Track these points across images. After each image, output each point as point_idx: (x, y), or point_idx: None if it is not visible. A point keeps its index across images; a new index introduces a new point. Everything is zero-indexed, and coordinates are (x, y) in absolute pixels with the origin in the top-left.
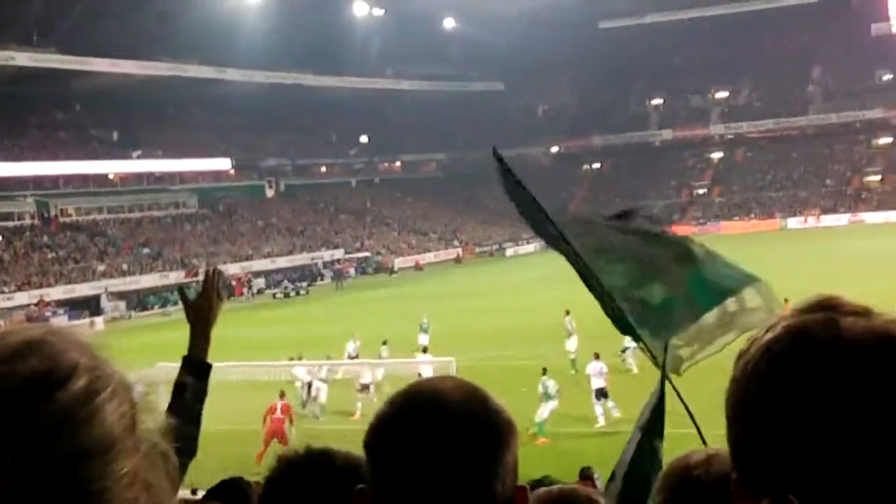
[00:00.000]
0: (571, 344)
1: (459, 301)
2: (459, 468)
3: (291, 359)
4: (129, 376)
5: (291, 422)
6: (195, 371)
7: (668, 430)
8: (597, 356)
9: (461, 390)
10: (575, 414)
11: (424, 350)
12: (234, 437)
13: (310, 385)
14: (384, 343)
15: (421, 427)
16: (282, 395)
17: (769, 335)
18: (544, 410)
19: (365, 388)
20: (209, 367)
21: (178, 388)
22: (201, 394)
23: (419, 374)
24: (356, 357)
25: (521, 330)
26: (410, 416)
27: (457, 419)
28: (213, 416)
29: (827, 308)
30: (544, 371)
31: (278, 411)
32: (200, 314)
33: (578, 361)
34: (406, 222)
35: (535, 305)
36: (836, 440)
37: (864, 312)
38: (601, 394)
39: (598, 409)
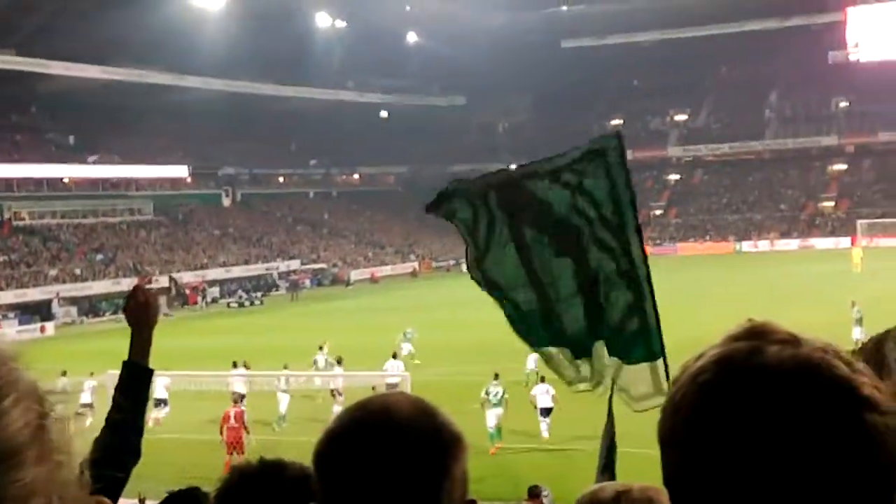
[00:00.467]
0: (531, 362)
1: (415, 314)
2: (408, 482)
3: (235, 365)
4: (40, 385)
5: (247, 430)
6: (135, 376)
7: (627, 450)
8: (542, 379)
9: (410, 405)
10: (521, 430)
11: (394, 356)
12: (188, 446)
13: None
14: (320, 348)
15: (369, 441)
16: (235, 401)
17: (698, 364)
18: (490, 419)
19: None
20: (150, 372)
21: (118, 393)
22: (142, 400)
23: (372, 389)
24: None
25: (478, 345)
26: (358, 430)
27: (405, 433)
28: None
29: (755, 336)
30: (496, 376)
31: (232, 419)
32: (138, 318)
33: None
34: (363, 235)
35: (493, 321)
36: (761, 467)
37: (791, 340)
38: (546, 412)
39: (544, 425)
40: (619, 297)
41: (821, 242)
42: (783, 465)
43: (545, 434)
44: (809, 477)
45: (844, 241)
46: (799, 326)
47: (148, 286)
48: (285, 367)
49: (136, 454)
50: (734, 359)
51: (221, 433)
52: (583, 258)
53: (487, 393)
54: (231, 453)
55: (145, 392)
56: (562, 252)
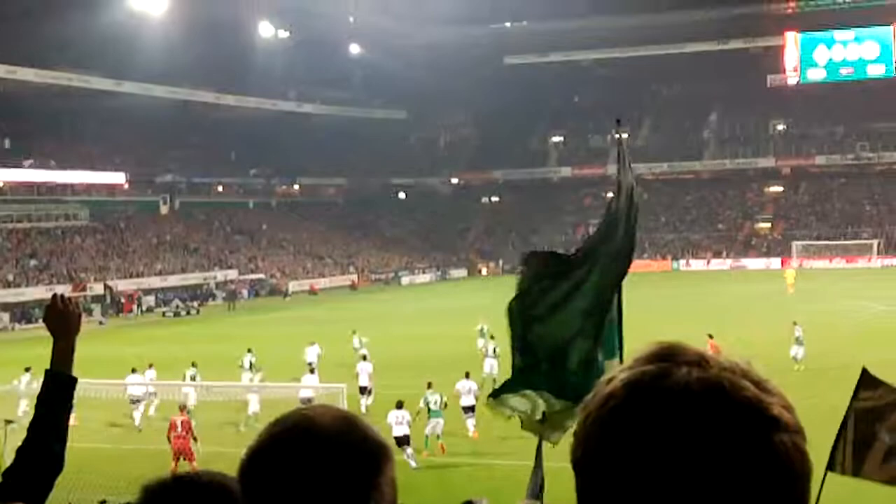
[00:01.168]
0: (487, 366)
1: (353, 327)
2: (334, 495)
3: (194, 365)
4: None
5: (195, 438)
6: (58, 385)
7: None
8: (467, 375)
9: (332, 417)
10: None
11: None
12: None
13: None
14: (193, 365)
15: (292, 455)
16: (181, 409)
17: (607, 388)
18: (433, 427)
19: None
20: (73, 380)
21: (40, 402)
22: (65, 408)
23: (303, 400)
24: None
25: (415, 359)
26: (281, 444)
27: (328, 446)
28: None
29: (663, 358)
30: (429, 385)
31: (178, 428)
32: (58, 327)
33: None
34: (302, 246)
35: (430, 335)
36: (671, 489)
37: (700, 362)
38: (469, 409)
39: (470, 423)
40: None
41: (755, 263)
42: (693, 487)
43: (471, 431)
44: (719, 498)
45: (776, 262)
46: (737, 345)
47: (81, 293)
48: (193, 365)
49: (58, 463)
50: (642, 382)
51: (169, 441)
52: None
53: (427, 402)
54: (177, 462)
55: (68, 401)
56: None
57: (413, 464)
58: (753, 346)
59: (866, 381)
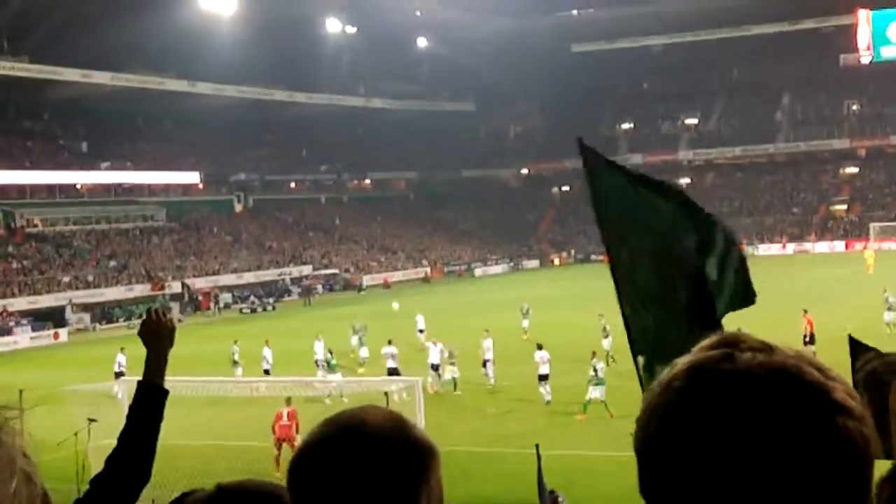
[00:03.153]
0: (607, 343)
1: (430, 320)
2: (383, 496)
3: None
4: None
5: (298, 430)
6: (149, 397)
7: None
8: (539, 346)
9: (383, 418)
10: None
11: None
12: (199, 452)
13: None
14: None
15: (342, 456)
16: (287, 401)
17: (671, 373)
18: (594, 391)
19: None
20: (165, 392)
21: (132, 412)
22: (155, 420)
23: (385, 394)
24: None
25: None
26: (332, 443)
27: (379, 446)
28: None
29: (727, 345)
30: (594, 354)
31: (285, 418)
32: (153, 338)
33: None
34: (375, 240)
35: (509, 326)
36: (734, 471)
37: (764, 348)
38: (544, 378)
39: (542, 390)
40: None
41: (819, 246)
42: (756, 470)
43: (547, 397)
44: (783, 480)
45: (841, 245)
46: (831, 320)
47: (159, 292)
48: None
49: (146, 474)
50: (706, 366)
51: (274, 431)
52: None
53: (596, 369)
54: (279, 447)
55: (159, 413)
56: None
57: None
58: (846, 318)
59: (855, 347)
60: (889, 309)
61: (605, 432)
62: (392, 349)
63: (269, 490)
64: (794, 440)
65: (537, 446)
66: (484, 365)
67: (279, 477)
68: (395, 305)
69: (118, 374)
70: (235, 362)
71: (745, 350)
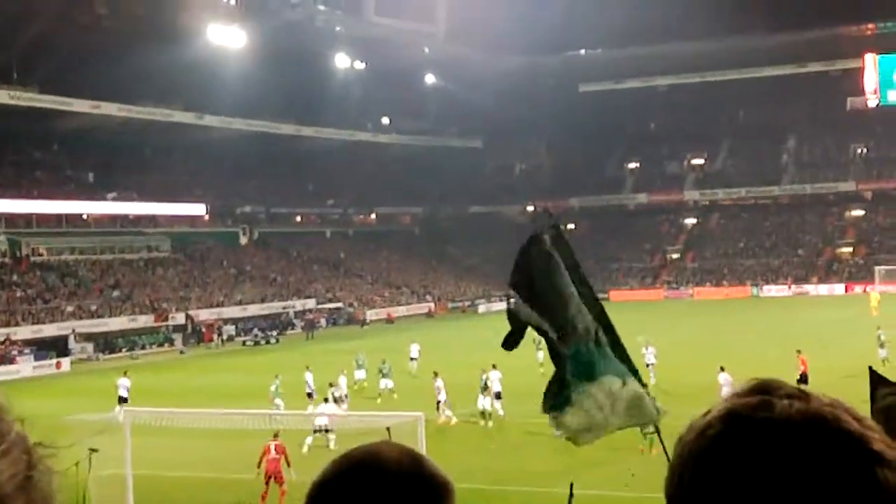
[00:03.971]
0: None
1: (430, 355)
2: None
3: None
4: (29, 437)
5: (288, 463)
6: None
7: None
8: (494, 366)
9: (398, 453)
10: (527, 469)
11: (325, 400)
12: (194, 484)
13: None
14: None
15: (357, 491)
16: (275, 435)
17: (705, 419)
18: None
19: None
20: None
21: None
22: None
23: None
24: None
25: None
26: (347, 478)
27: (394, 482)
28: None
29: (763, 391)
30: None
31: (272, 452)
32: None
33: None
34: (379, 275)
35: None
36: None
37: (801, 396)
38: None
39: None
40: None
41: (819, 289)
42: None
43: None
44: None
45: (840, 288)
46: (826, 361)
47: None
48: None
49: None
50: (742, 412)
51: (259, 466)
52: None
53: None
54: (268, 483)
55: None
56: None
57: None
58: (844, 358)
59: (875, 380)
60: (881, 346)
61: (610, 471)
62: (439, 382)
63: None
64: (833, 491)
65: (571, 485)
66: (497, 396)
67: None
68: (415, 351)
69: (122, 400)
70: (276, 394)
71: (782, 397)
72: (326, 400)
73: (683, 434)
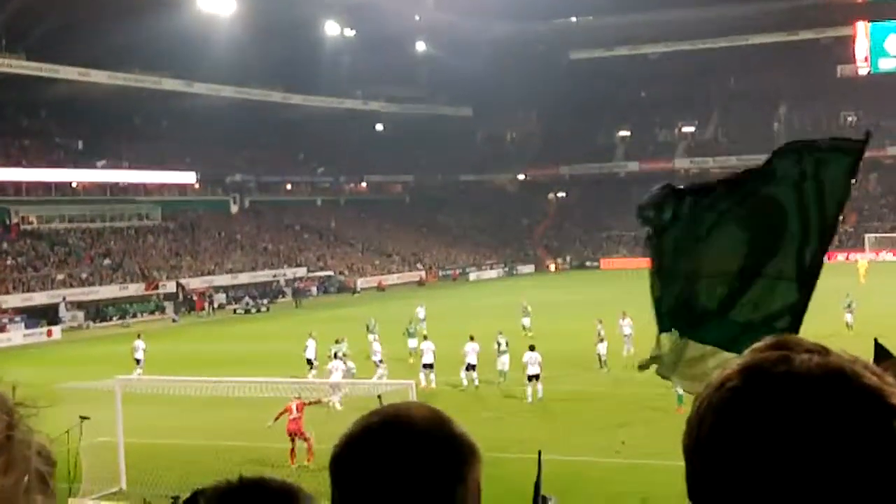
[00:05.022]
0: (602, 348)
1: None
2: (423, 490)
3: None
4: (9, 397)
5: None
6: None
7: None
8: (532, 347)
9: (427, 414)
10: (528, 438)
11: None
12: (192, 451)
13: None
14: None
15: (386, 447)
16: (298, 395)
17: (723, 374)
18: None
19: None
20: None
21: None
22: None
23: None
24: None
25: (482, 354)
26: (374, 436)
27: (422, 441)
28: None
29: (783, 347)
30: (624, 314)
31: (294, 411)
32: None
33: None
34: (370, 243)
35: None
36: (786, 473)
37: (820, 351)
38: (533, 377)
39: (529, 390)
40: (780, 295)
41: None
42: (810, 472)
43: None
44: (837, 483)
45: (833, 256)
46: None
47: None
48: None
49: None
50: (761, 366)
51: (275, 420)
52: (769, 248)
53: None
54: (293, 440)
55: None
56: (750, 229)
57: None
58: (819, 329)
59: (879, 353)
60: (849, 310)
61: (600, 438)
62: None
63: (287, 489)
64: (850, 443)
65: (539, 452)
66: (470, 368)
67: (294, 469)
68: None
69: (138, 362)
70: (310, 361)
71: (801, 352)
72: (336, 355)
73: (703, 388)
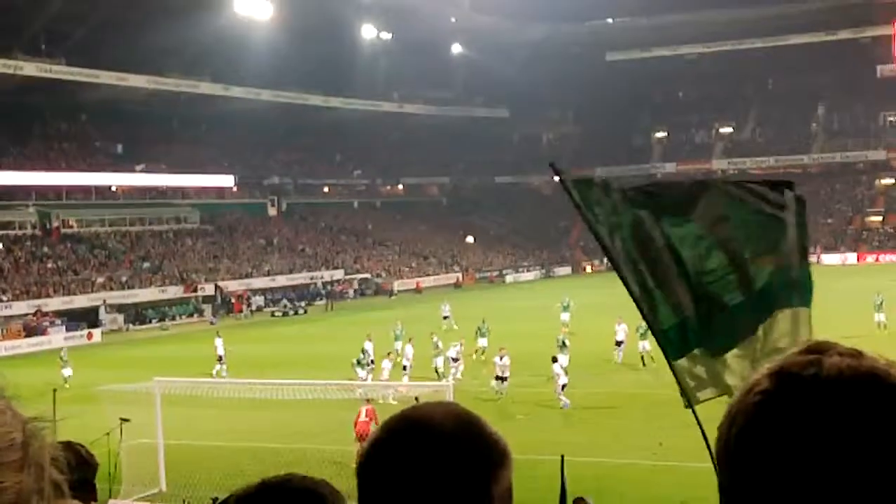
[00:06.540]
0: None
1: (462, 325)
2: (451, 494)
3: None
4: (21, 409)
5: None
6: None
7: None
8: (554, 359)
9: (455, 416)
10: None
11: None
12: (232, 453)
13: None
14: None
15: (413, 450)
16: (368, 400)
17: (753, 378)
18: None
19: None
20: None
21: None
22: None
23: (415, 399)
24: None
25: (520, 357)
26: (402, 439)
27: (449, 444)
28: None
29: (816, 351)
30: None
31: (363, 415)
32: None
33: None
34: (407, 245)
35: (536, 332)
36: (820, 476)
37: (853, 354)
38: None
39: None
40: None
41: (829, 258)
42: (843, 475)
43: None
44: (869, 486)
45: (853, 257)
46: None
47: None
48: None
49: None
50: (791, 370)
51: (355, 427)
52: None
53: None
54: (362, 442)
55: None
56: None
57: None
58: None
59: None
60: (879, 310)
61: (637, 440)
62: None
63: (311, 486)
64: (882, 446)
65: (562, 457)
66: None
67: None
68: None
69: (220, 359)
70: (359, 363)
71: (833, 355)
72: (390, 354)
73: (735, 393)
